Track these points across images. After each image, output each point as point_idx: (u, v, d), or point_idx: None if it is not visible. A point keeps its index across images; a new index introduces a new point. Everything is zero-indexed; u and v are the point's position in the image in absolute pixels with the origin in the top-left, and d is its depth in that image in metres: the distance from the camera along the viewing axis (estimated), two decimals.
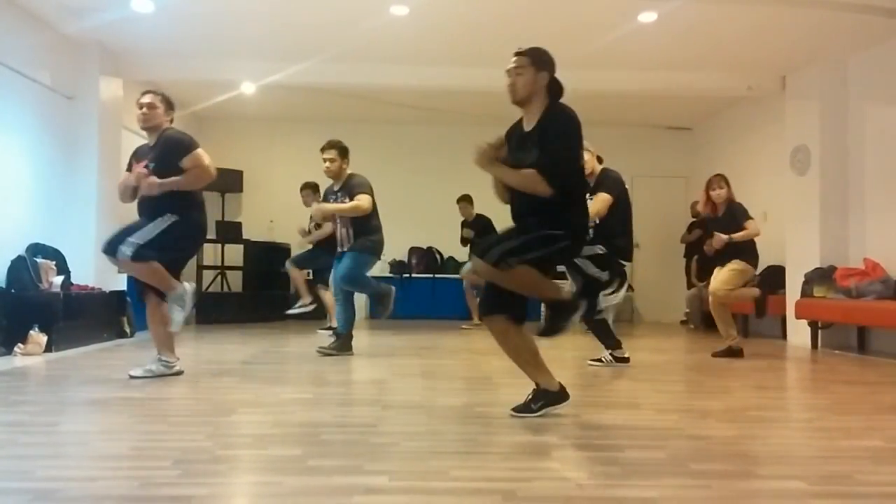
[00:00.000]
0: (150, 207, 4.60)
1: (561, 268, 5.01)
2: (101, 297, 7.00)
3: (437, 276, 10.74)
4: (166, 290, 4.62)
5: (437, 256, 11.11)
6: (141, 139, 4.88)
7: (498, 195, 3.69)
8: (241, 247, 10.33)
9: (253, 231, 10.41)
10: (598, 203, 5.32)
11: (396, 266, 10.96)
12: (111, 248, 4.47)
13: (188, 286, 4.72)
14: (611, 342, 5.65)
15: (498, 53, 3.60)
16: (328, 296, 7.84)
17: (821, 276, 7.46)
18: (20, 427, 3.28)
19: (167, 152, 4.57)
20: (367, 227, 6.04)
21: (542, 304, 3.57)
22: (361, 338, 7.80)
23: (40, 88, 6.97)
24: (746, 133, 9.90)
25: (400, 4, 6.56)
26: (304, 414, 3.62)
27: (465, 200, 9.49)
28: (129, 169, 4.76)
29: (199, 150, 4.61)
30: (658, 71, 8.29)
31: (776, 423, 3.68)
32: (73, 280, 6.84)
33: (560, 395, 3.55)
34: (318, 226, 8.14)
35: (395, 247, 10.98)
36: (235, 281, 10.47)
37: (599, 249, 5.41)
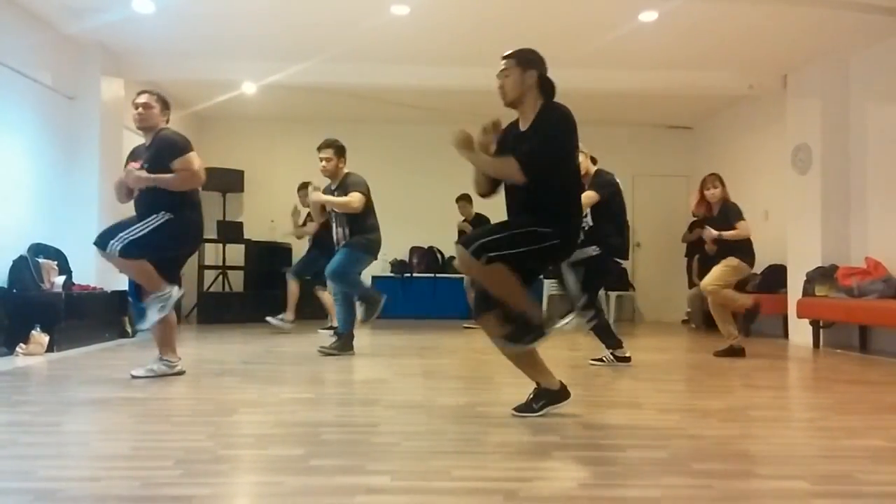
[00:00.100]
0: (146, 205, 4.60)
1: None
2: (103, 297, 7.00)
3: (438, 275, 10.74)
4: (153, 289, 4.58)
5: (439, 256, 11.11)
6: (142, 139, 4.89)
7: (475, 186, 3.68)
8: (243, 247, 10.33)
9: (254, 231, 10.41)
10: (582, 200, 5.34)
11: (398, 266, 10.97)
12: (102, 242, 4.47)
13: (176, 291, 4.66)
14: (611, 342, 5.66)
15: (499, 53, 3.60)
16: (326, 296, 7.87)
17: (822, 276, 7.45)
18: (22, 427, 3.28)
19: (160, 153, 4.58)
20: (363, 227, 6.04)
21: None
22: (362, 337, 7.80)
23: (42, 89, 6.98)
24: (748, 132, 9.90)
25: (400, 4, 6.56)
26: (306, 414, 3.62)
27: (465, 199, 9.53)
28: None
29: (191, 154, 4.59)
30: (659, 70, 8.29)
31: (778, 422, 3.68)
32: (75, 280, 6.85)
33: (561, 394, 3.55)
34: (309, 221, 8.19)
35: (397, 246, 11.00)
36: (237, 281, 10.48)
37: (593, 251, 5.45)
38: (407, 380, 4.88)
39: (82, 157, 7.45)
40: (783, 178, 8.43)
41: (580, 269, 5.42)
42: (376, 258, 6.32)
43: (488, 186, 3.64)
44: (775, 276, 8.59)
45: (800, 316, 7.56)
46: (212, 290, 10.21)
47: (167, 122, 4.80)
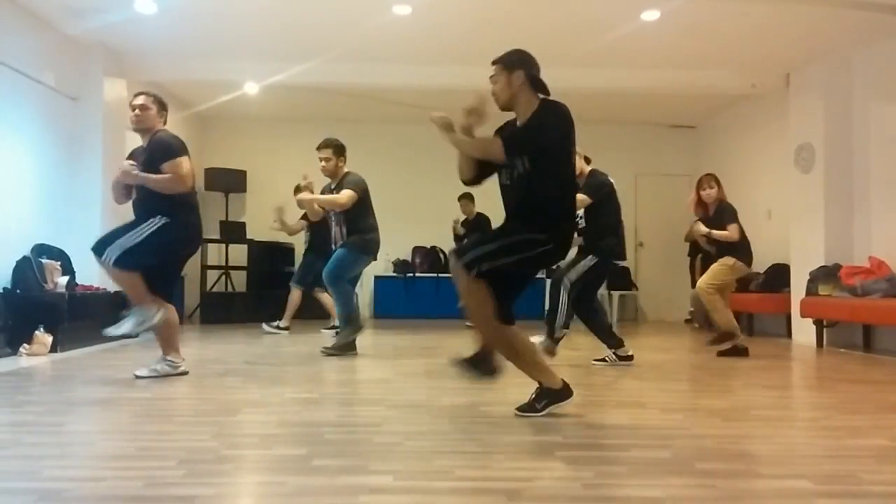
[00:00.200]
0: (143, 208, 4.62)
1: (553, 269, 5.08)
2: (106, 298, 7.00)
3: (440, 275, 10.74)
4: (138, 303, 4.55)
5: (441, 256, 11.11)
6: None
7: (459, 172, 3.66)
8: (245, 247, 10.34)
9: (257, 231, 10.42)
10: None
11: (400, 265, 10.98)
12: (99, 249, 4.48)
13: (160, 314, 4.59)
14: (612, 341, 5.66)
15: (500, 52, 3.60)
16: (325, 297, 7.91)
17: (826, 275, 7.44)
18: (26, 427, 3.29)
19: (154, 155, 4.59)
20: (360, 226, 6.02)
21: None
22: (365, 337, 7.80)
23: (44, 90, 6.99)
24: (750, 131, 9.89)
25: (402, 4, 6.57)
26: (309, 414, 3.62)
27: (467, 198, 9.53)
28: None
29: (181, 159, 4.57)
30: (661, 69, 8.28)
31: (781, 422, 3.68)
32: (78, 280, 6.85)
33: (564, 393, 3.54)
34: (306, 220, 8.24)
35: (399, 246, 11.02)
36: (240, 281, 10.49)
37: (590, 262, 5.49)
38: (409, 380, 4.88)
39: (85, 157, 7.46)
40: (786, 178, 8.42)
41: (578, 284, 5.51)
42: (375, 258, 6.29)
43: (471, 172, 3.63)
44: (778, 276, 8.58)
45: (803, 315, 7.55)
46: (215, 290, 10.22)
47: (164, 123, 4.80)
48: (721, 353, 6.25)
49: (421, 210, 10.88)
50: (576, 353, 6.21)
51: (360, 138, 11.24)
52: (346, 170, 6.15)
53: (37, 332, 5.97)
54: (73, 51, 7.42)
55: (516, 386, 3.89)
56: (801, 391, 4.98)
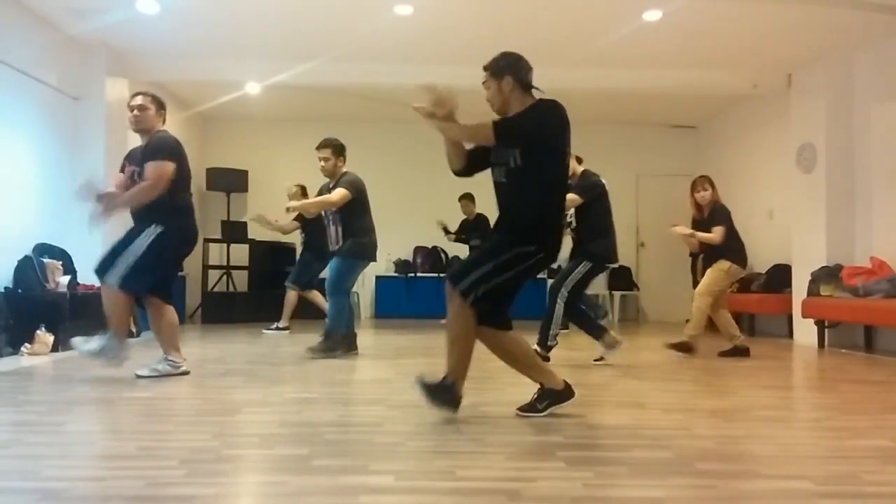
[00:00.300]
0: (136, 215, 4.62)
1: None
2: None
3: (442, 275, 10.71)
4: (115, 330, 4.54)
5: (443, 256, 11.12)
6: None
7: (449, 162, 3.64)
8: (247, 247, 10.35)
9: (258, 231, 10.40)
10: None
11: (402, 265, 10.99)
12: (102, 273, 4.49)
13: (126, 351, 4.60)
14: (597, 332, 5.66)
15: (506, 51, 3.59)
16: (315, 296, 7.97)
17: (827, 275, 7.44)
18: (27, 427, 3.29)
19: (147, 157, 4.58)
20: (355, 228, 5.97)
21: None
22: (366, 337, 7.81)
23: (47, 89, 7.00)
24: (752, 131, 9.88)
25: (404, 4, 6.57)
26: (310, 414, 3.62)
27: (467, 198, 9.57)
28: (122, 170, 4.77)
29: (160, 163, 4.52)
30: (663, 69, 8.28)
31: (782, 422, 3.68)
32: (80, 280, 6.85)
33: (565, 393, 3.54)
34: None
35: (401, 246, 11.03)
36: (241, 281, 10.49)
37: (584, 267, 5.51)
38: (410, 380, 4.86)
39: (87, 157, 7.46)
40: (788, 178, 8.41)
41: (575, 291, 5.55)
42: (374, 260, 6.25)
43: (460, 161, 3.61)
44: (780, 276, 8.57)
45: (805, 316, 7.55)
46: (216, 289, 10.22)
47: (164, 122, 4.79)
48: (722, 354, 6.25)
49: (423, 210, 10.86)
50: (576, 353, 6.21)
51: (361, 138, 11.24)
52: (344, 170, 6.12)
53: (38, 331, 5.97)
54: (76, 51, 7.43)
55: (517, 386, 3.90)
56: (803, 392, 4.98)
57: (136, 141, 4.91)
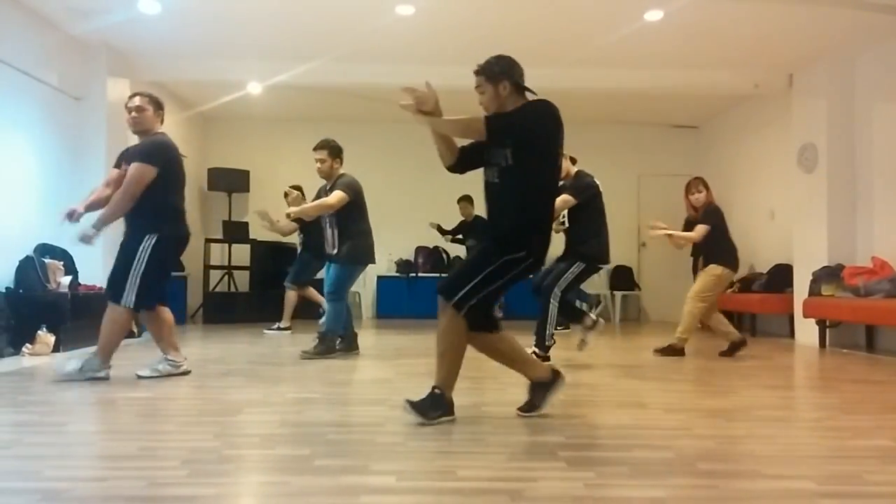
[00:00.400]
0: (131, 217, 4.62)
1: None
2: None
3: (443, 275, 10.73)
4: (100, 353, 4.55)
5: (444, 256, 11.12)
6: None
7: (441, 158, 3.63)
8: (248, 247, 10.35)
9: (260, 231, 10.41)
10: (557, 203, 5.41)
11: (403, 265, 11.00)
12: (116, 297, 4.50)
13: (104, 372, 4.57)
14: (578, 317, 5.70)
15: (504, 52, 3.59)
16: (311, 292, 8.06)
17: (828, 275, 7.44)
18: (28, 427, 3.29)
19: (133, 158, 4.58)
20: (352, 231, 5.95)
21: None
22: (367, 337, 7.81)
23: (48, 89, 7.00)
24: (753, 131, 9.87)
25: (405, 4, 6.57)
26: (311, 414, 3.62)
27: (466, 200, 9.60)
28: (118, 166, 4.76)
29: (139, 166, 4.49)
30: (664, 69, 8.28)
31: (784, 422, 3.67)
32: (81, 280, 6.87)
33: (555, 380, 3.56)
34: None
35: (402, 246, 11.03)
36: (242, 281, 10.49)
37: (577, 268, 5.52)
38: (412, 379, 4.87)
39: (89, 157, 7.47)
40: (789, 178, 8.41)
41: (567, 291, 5.58)
42: (373, 262, 6.24)
43: (452, 157, 3.59)
44: (781, 276, 8.57)
45: (806, 315, 7.54)
46: (217, 290, 10.23)
47: (162, 122, 4.78)
48: (723, 354, 6.23)
49: (424, 210, 10.85)
50: (575, 352, 6.20)
51: (362, 138, 11.27)
52: (341, 171, 6.10)
53: (39, 331, 5.98)
54: (77, 51, 7.44)
55: (518, 386, 3.89)
56: (804, 391, 4.97)
57: (137, 141, 4.90)
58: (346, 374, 5.21)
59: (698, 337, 8.26)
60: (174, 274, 8.81)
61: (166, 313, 4.77)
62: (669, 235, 6.30)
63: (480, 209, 9.23)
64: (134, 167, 4.51)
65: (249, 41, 7.64)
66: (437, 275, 10.76)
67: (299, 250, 8.48)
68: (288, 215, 6.29)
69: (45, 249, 6.67)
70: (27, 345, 5.92)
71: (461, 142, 3.59)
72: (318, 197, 6.23)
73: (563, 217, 5.73)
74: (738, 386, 4.79)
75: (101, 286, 7.00)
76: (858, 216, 7.66)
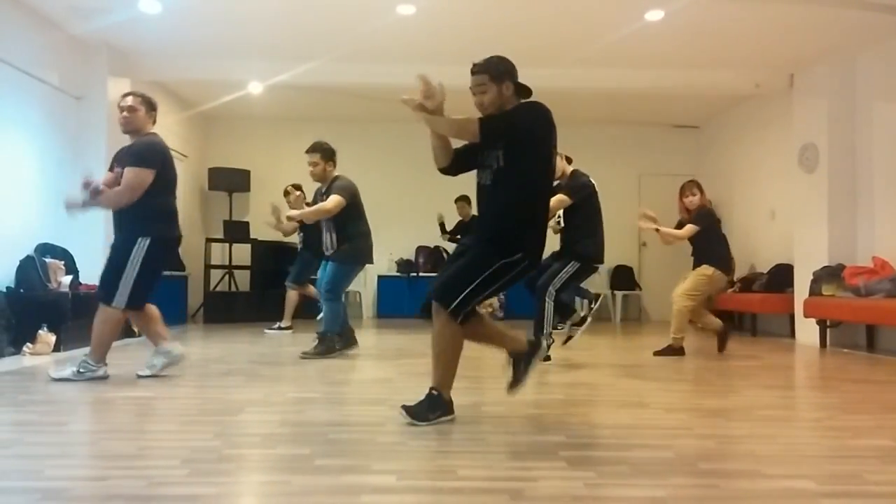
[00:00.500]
0: (122, 218, 4.62)
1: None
2: None
3: None
4: (92, 353, 4.56)
5: (445, 255, 11.11)
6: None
7: (434, 160, 3.62)
8: (249, 246, 10.35)
9: (260, 230, 10.42)
10: (552, 202, 5.42)
11: (404, 265, 11.00)
12: (107, 298, 4.49)
13: (102, 371, 4.59)
14: (568, 314, 5.73)
15: (505, 52, 3.58)
16: (311, 289, 8.03)
17: (829, 275, 7.43)
18: (28, 426, 3.30)
19: (127, 161, 4.57)
20: (349, 232, 5.95)
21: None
22: (368, 337, 7.81)
23: (48, 89, 7.00)
24: (754, 131, 9.87)
25: (406, 4, 6.57)
26: (312, 413, 3.62)
27: (464, 200, 9.62)
28: (111, 170, 4.75)
29: (137, 170, 4.49)
30: (665, 69, 8.27)
31: (784, 422, 3.67)
32: (82, 280, 6.86)
33: (532, 349, 3.58)
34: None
35: (403, 246, 11.03)
36: (243, 280, 10.49)
37: (572, 267, 5.53)
38: (413, 379, 4.87)
39: (89, 156, 7.46)
40: (790, 178, 8.41)
41: (562, 290, 5.59)
42: (371, 262, 6.24)
43: (446, 159, 3.59)
44: (782, 276, 8.57)
45: (806, 315, 7.54)
46: (218, 289, 10.23)
47: (154, 122, 4.77)
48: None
49: (425, 210, 10.85)
50: (575, 352, 6.21)
51: (364, 138, 11.29)
52: (336, 173, 6.06)
53: (40, 331, 5.98)
54: (78, 50, 7.44)
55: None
56: (805, 391, 4.97)
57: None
58: (347, 373, 5.21)
59: (699, 337, 8.25)
60: (175, 274, 8.88)
61: (151, 309, 4.77)
62: (657, 230, 6.30)
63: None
64: (132, 172, 4.50)
65: (250, 41, 7.65)
66: (438, 275, 10.75)
67: (299, 249, 8.48)
68: (288, 218, 6.27)
69: (45, 249, 6.67)
70: (28, 344, 5.92)
71: (455, 144, 3.59)
72: (315, 200, 6.24)
73: (559, 217, 5.74)
74: (738, 385, 4.79)
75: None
76: (859, 216, 7.66)
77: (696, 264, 6.31)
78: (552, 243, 4.59)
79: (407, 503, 2.27)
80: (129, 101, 4.68)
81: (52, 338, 6.01)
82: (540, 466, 2.66)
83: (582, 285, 6.21)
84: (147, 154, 4.57)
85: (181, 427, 3.32)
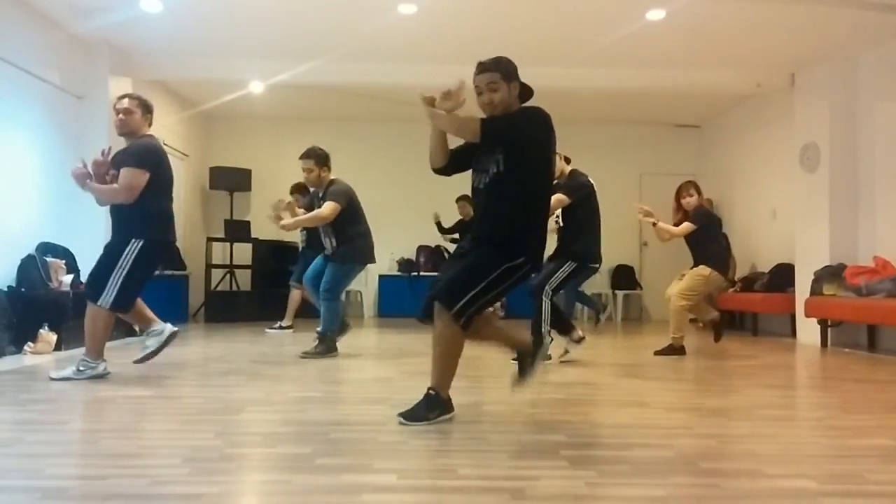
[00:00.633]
0: (117, 226, 4.64)
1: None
2: None
3: None
4: (89, 352, 4.57)
5: (446, 255, 11.11)
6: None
7: (430, 159, 3.62)
8: (250, 245, 10.35)
9: (261, 230, 10.43)
10: (552, 202, 5.41)
11: (405, 264, 11.00)
12: (94, 296, 4.50)
13: (102, 367, 4.60)
14: (566, 329, 5.72)
15: (506, 51, 3.59)
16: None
17: (830, 274, 7.43)
18: (29, 425, 3.30)
19: (123, 162, 4.58)
20: (348, 234, 5.96)
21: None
22: (369, 336, 7.82)
23: (50, 88, 7.00)
24: (755, 130, 9.87)
25: (408, 3, 6.57)
26: (313, 412, 3.62)
27: (465, 200, 9.59)
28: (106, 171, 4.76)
29: (134, 171, 4.50)
30: (666, 68, 8.27)
31: (785, 421, 3.67)
32: (83, 279, 6.86)
33: (536, 346, 3.63)
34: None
35: (404, 245, 11.03)
36: (244, 280, 10.50)
37: (569, 267, 5.54)
38: (414, 378, 4.87)
39: (90, 156, 7.40)
40: (791, 177, 8.40)
41: (559, 290, 5.61)
42: (372, 262, 6.25)
43: (442, 159, 3.59)
44: (783, 275, 8.57)
45: (808, 315, 7.54)
46: (219, 288, 10.23)
47: (150, 125, 4.78)
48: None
49: (426, 209, 10.83)
50: (575, 352, 6.20)
51: (365, 138, 11.30)
52: (331, 177, 6.07)
53: (41, 330, 5.98)
54: (79, 49, 7.44)
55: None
56: (806, 391, 4.97)
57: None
58: (348, 372, 5.22)
59: (699, 337, 8.26)
60: (176, 273, 8.89)
61: (138, 302, 4.78)
62: (654, 224, 6.30)
63: None
64: (129, 173, 4.51)
65: (251, 40, 7.64)
66: (438, 276, 10.73)
67: (302, 248, 8.48)
68: (283, 227, 6.24)
69: (46, 248, 6.67)
70: (29, 343, 5.92)
71: (451, 144, 3.59)
72: (311, 204, 6.25)
73: (558, 216, 5.74)
74: (739, 385, 4.79)
75: None
76: (860, 215, 7.65)
77: (695, 264, 6.31)
78: (550, 243, 4.59)
79: (408, 502, 2.28)
80: (125, 103, 4.68)
81: (53, 337, 6.02)
82: (541, 466, 2.66)
83: (588, 292, 6.21)
84: (143, 155, 4.58)
85: (182, 426, 3.32)
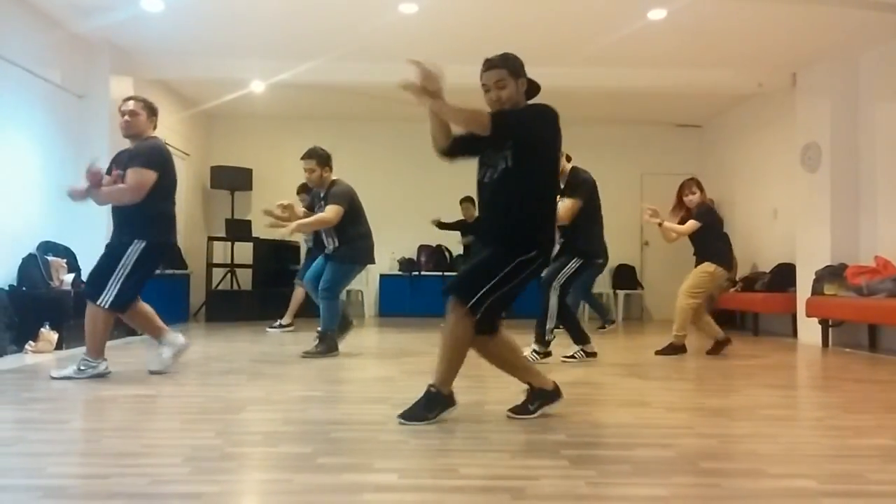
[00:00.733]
0: (118, 225, 4.64)
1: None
2: None
3: (446, 273, 10.73)
4: (89, 352, 4.58)
5: (447, 254, 11.12)
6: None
7: (433, 142, 3.61)
8: (251, 245, 10.35)
9: (262, 229, 10.42)
10: (563, 209, 5.43)
11: (406, 264, 11.00)
12: (93, 295, 4.50)
13: (103, 367, 4.61)
14: (581, 338, 5.74)
15: (508, 51, 3.58)
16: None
17: (831, 274, 7.43)
18: (30, 424, 3.30)
19: (130, 162, 4.58)
20: (349, 235, 5.96)
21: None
22: (370, 336, 7.82)
23: (51, 87, 7.01)
24: (757, 130, 9.86)
25: (409, 2, 6.56)
26: (314, 412, 3.63)
27: (468, 201, 9.59)
28: (109, 173, 4.75)
29: (141, 171, 4.51)
30: (668, 68, 8.26)
31: (786, 421, 3.67)
32: (84, 278, 6.87)
33: (554, 393, 3.57)
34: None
35: (405, 245, 11.04)
36: (245, 279, 10.50)
37: (576, 263, 5.55)
38: (415, 378, 4.87)
39: (91, 155, 7.44)
40: (792, 177, 8.40)
41: (567, 286, 5.61)
42: (372, 262, 6.25)
43: (445, 140, 3.56)
44: (784, 275, 8.56)
45: (809, 315, 7.54)
46: (220, 288, 10.23)
47: (155, 127, 4.78)
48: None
49: (427, 209, 10.84)
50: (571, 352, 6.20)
51: (366, 137, 11.30)
52: (333, 177, 6.05)
53: (42, 329, 5.99)
54: (80, 48, 7.44)
55: (519, 384, 3.89)
56: (807, 391, 4.97)
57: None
58: (349, 372, 5.22)
59: (701, 336, 8.26)
60: (177, 272, 8.89)
61: (143, 307, 4.79)
62: (660, 224, 6.30)
63: None
64: (136, 173, 4.52)
65: (252, 39, 7.64)
66: (440, 273, 10.75)
67: (309, 247, 8.47)
68: (283, 236, 6.24)
69: (47, 247, 6.68)
70: (30, 342, 5.93)
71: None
72: (313, 204, 6.25)
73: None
74: (740, 385, 4.79)
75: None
76: (861, 215, 7.65)
77: (698, 262, 6.31)
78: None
79: (408, 502, 2.28)
80: (131, 105, 4.69)
81: (55, 336, 6.02)
82: (541, 465, 2.66)
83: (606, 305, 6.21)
84: (151, 156, 4.60)
85: (183, 425, 3.32)
